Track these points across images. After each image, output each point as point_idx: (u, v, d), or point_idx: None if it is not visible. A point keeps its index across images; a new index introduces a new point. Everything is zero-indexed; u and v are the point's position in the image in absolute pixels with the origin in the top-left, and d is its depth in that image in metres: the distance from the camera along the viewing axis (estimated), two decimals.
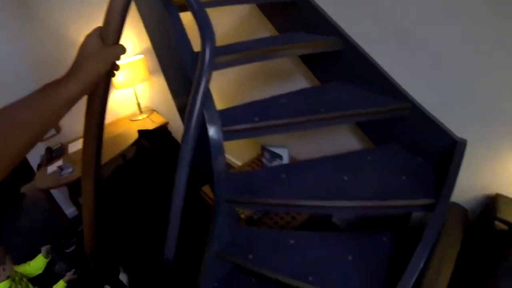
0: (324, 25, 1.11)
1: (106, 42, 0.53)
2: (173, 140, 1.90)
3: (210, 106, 0.81)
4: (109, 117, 2.30)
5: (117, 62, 0.58)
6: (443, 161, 0.92)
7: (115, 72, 0.60)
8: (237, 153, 2.31)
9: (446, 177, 0.82)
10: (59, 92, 0.44)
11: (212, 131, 0.81)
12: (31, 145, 0.42)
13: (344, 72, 1.15)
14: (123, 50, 0.55)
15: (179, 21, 0.84)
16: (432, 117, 0.97)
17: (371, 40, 1.05)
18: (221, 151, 0.85)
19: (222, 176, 0.88)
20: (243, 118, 0.88)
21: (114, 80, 2.10)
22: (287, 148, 1.55)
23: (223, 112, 0.87)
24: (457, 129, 0.95)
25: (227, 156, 2.24)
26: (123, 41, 0.55)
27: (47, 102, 0.43)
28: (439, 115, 0.97)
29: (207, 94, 0.73)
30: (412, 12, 0.97)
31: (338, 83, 1.16)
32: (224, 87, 2.04)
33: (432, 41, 0.96)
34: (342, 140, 1.38)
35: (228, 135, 0.84)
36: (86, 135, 0.71)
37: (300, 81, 1.45)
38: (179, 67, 0.86)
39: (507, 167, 0.94)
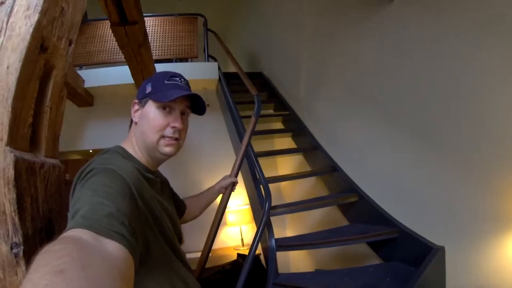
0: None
1: (231, 175, 1.51)
2: (261, 266, 2.82)
3: (270, 228, 1.83)
4: (219, 244, 3.54)
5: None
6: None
7: (234, 188, 1.50)
8: None
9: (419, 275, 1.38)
10: (213, 188, 1.44)
11: (270, 242, 1.80)
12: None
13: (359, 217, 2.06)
14: (236, 180, 1.48)
15: (259, 189, 2.03)
16: (411, 232, 1.62)
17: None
18: (273, 255, 1.79)
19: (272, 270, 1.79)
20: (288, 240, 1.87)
21: (228, 219, 3.42)
22: None
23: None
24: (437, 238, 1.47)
25: None
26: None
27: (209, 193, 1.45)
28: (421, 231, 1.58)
29: (268, 223, 1.79)
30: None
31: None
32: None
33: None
34: (364, 259, 2.06)
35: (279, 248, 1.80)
36: (216, 215, 1.69)
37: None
38: (257, 210, 2.01)
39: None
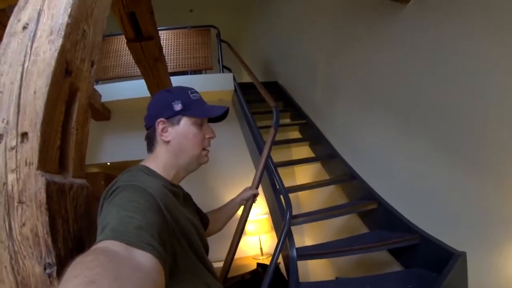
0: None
1: (251, 187, 1.53)
2: (281, 275, 2.80)
3: (291, 237, 1.82)
4: (239, 254, 3.51)
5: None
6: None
7: (255, 200, 1.54)
8: None
9: (441, 282, 1.38)
10: (235, 200, 1.44)
11: (291, 251, 1.79)
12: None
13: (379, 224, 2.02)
14: (257, 192, 1.51)
15: (279, 199, 2.02)
16: (436, 240, 1.59)
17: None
18: (294, 265, 1.77)
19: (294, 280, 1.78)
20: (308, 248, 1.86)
21: (246, 228, 3.42)
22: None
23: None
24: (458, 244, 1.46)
25: None
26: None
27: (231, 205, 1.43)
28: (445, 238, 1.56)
29: (289, 233, 1.78)
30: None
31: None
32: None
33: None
34: (385, 265, 2.00)
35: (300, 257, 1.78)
36: (237, 227, 1.67)
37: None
38: (277, 220, 2.00)
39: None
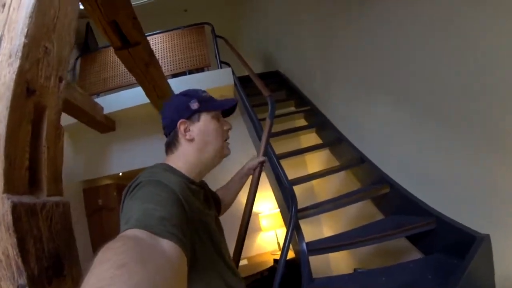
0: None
1: (258, 155, 1.53)
2: (295, 270, 2.80)
3: (299, 232, 1.80)
4: (256, 250, 3.55)
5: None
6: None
7: (264, 168, 1.48)
8: None
9: (464, 269, 1.23)
10: (242, 170, 1.39)
11: (301, 246, 1.76)
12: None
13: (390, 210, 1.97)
14: (264, 158, 1.45)
15: (285, 192, 1.99)
16: (454, 222, 1.49)
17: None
18: (305, 260, 1.75)
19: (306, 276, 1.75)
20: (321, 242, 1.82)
21: (262, 224, 3.44)
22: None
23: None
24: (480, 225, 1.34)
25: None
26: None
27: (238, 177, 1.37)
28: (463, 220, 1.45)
29: (297, 227, 1.76)
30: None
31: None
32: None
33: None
34: (403, 254, 1.94)
35: (311, 252, 1.76)
36: (246, 205, 1.57)
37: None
38: (286, 214, 1.98)
39: None
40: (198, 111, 0.86)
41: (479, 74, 1.28)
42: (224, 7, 5.51)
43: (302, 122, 3.17)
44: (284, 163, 2.37)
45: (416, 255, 1.77)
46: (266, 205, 3.54)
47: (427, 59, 1.53)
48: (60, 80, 0.91)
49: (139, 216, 0.54)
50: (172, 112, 0.88)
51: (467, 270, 1.24)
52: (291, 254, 3.03)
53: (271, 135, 2.49)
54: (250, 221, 1.56)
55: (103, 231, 3.46)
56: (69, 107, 2.75)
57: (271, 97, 1.87)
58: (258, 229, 3.57)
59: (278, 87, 3.67)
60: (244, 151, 3.42)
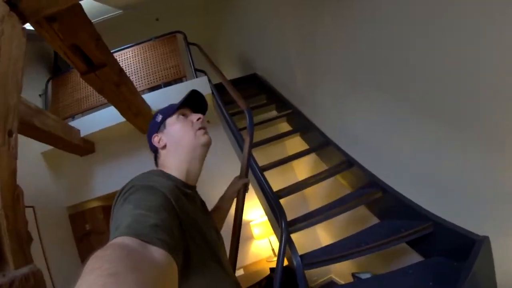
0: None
1: (240, 177, 1.41)
2: (293, 276, 2.77)
3: (292, 245, 1.74)
4: (251, 258, 3.49)
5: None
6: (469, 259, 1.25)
7: (247, 189, 1.42)
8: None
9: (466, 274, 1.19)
10: (226, 194, 1.33)
11: (296, 260, 1.71)
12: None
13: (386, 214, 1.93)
14: (247, 180, 1.40)
15: (273, 206, 1.93)
16: (452, 225, 1.43)
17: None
18: (301, 275, 1.69)
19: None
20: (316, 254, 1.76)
21: (254, 232, 3.38)
22: (370, 273, 2.14)
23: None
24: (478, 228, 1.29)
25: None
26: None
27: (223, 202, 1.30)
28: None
29: (290, 240, 1.70)
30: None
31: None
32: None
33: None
34: (401, 256, 1.91)
35: (307, 266, 1.70)
36: (234, 224, 1.45)
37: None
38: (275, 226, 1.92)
39: None
40: (163, 120, 0.91)
41: (480, 71, 1.18)
42: (197, 12, 5.34)
43: (285, 126, 3.11)
44: (271, 171, 2.32)
45: (414, 257, 1.72)
46: (257, 212, 3.46)
47: (422, 55, 1.42)
48: (10, 134, 0.82)
49: (129, 222, 0.53)
50: (149, 134, 0.94)
51: (470, 275, 1.20)
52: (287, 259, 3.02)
53: (253, 145, 2.43)
54: (242, 230, 1.49)
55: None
56: (42, 136, 2.62)
57: (249, 110, 1.78)
58: (251, 237, 3.50)
59: (257, 91, 3.58)
60: (227, 162, 3.34)
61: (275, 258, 3.40)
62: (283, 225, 1.69)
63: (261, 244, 3.52)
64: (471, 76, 1.20)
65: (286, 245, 1.68)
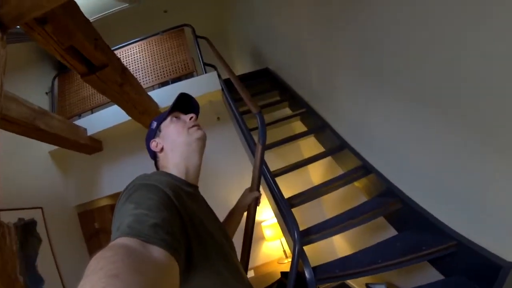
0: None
1: (251, 189, 1.33)
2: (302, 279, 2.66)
3: (305, 259, 1.61)
4: (262, 259, 3.39)
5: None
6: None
7: (259, 203, 1.36)
8: None
9: None
10: (237, 207, 1.30)
11: (308, 273, 1.58)
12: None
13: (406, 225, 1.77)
14: (258, 193, 1.34)
15: (285, 217, 1.78)
16: (477, 247, 1.29)
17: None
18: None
19: None
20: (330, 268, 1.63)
21: (265, 234, 3.28)
22: (385, 284, 1.99)
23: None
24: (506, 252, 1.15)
25: None
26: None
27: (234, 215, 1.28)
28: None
29: (302, 253, 1.57)
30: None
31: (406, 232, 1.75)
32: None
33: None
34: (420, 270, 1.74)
35: (320, 281, 1.57)
36: (245, 236, 1.38)
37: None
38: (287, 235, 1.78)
39: None
40: (158, 126, 0.96)
41: None
42: (207, 2, 5.13)
43: (299, 125, 2.94)
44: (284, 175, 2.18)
45: (433, 273, 1.58)
46: (269, 213, 3.34)
47: (454, 58, 1.21)
48: None
49: (130, 222, 0.54)
50: (147, 143, 0.97)
51: None
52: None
53: (265, 147, 2.27)
54: (254, 231, 1.41)
55: None
56: (48, 137, 2.55)
57: (260, 114, 1.63)
58: (262, 238, 3.40)
59: (270, 87, 3.39)
60: (237, 160, 3.24)
61: (287, 260, 3.31)
62: (296, 236, 1.56)
63: (272, 245, 3.41)
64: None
65: (299, 258, 1.55)
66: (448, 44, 1.20)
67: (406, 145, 1.65)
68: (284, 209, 1.71)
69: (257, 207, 1.40)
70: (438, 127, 1.39)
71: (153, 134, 0.96)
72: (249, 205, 1.34)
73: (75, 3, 1.47)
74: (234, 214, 1.30)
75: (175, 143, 0.91)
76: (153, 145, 0.94)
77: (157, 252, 0.50)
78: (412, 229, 1.69)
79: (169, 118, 0.95)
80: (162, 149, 0.93)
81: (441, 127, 1.37)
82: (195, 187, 0.92)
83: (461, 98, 1.22)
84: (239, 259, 1.29)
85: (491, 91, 1.09)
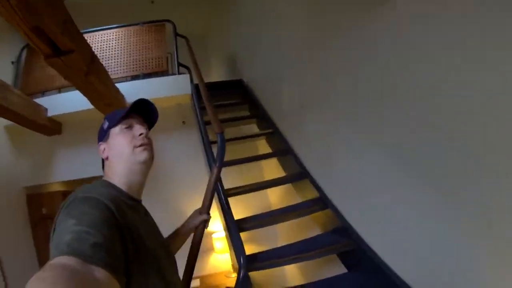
0: None
1: (201, 211, 1.24)
2: None
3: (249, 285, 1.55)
4: (210, 270, 3.31)
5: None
6: None
7: (207, 226, 1.27)
8: None
9: None
10: (184, 227, 1.21)
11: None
12: None
13: None
14: (208, 217, 1.25)
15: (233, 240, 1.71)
16: None
17: None
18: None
19: None
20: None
21: (215, 245, 3.20)
22: None
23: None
24: None
25: None
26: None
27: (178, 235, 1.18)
28: None
29: (246, 280, 1.51)
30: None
31: None
32: None
33: None
34: None
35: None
36: (189, 257, 1.26)
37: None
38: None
39: None
40: (108, 129, 0.88)
41: None
42: (196, 3, 4.98)
43: (264, 144, 2.91)
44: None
45: None
46: (220, 224, 3.22)
47: (453, 95, 1.06)
48: None
49: (70, 240, 0.52)
50: (98, 136, 0.92)
51: None
52: None
53: (227, 163, 2.20)
54: (204, 241, 1.32)
55: (47, 243, 3.08)
56: (5, 112, 2.36)
57: (222, 135, 1.55)
58: (211, 249, 3.31)
59: (241, 100, 3.34)
60: (198, 167, 3.14)
61: (234, 275, 3.24)
62: (242, 262, 1.51)
63: (221, 258, 3.34)
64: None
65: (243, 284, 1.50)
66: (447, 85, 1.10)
67: (372, 189, 1.59)
68: (233, 233, 1.66)
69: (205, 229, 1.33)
70: (410, 181, 1.32)
71: (102, 136, 0.90)
72: (197, 227, 1.27)
73: None
74: (179, 234, 1.23)
75: (120, 156, 0.86)
76: (100, 148, 0.90)
77: (98, 272, 0.49)
78: (362, 271, 1.66)
79: (119, 126, 0.88)
80: (107, 158, 0.88)
81: (414, 183, 1.29)
82: (138, 201, 0.89)
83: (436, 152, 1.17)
84: (180, 275, 1.23)
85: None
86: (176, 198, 3.18)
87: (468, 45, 0.98)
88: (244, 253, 1.56)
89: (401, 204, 1.39)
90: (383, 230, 1.54)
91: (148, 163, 0.89)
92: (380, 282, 1.48)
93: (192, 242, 1.29)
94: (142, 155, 0.86)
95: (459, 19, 1.00)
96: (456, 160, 1.07)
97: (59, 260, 0.48)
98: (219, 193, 1.87)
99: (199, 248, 1.32)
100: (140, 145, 0.87)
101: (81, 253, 0.50)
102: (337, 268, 1.84)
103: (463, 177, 1.06)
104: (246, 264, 1.53)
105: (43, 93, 3.09)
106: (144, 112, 0.95)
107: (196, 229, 1.27)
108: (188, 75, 3.16)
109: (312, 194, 2.05)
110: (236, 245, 1.60)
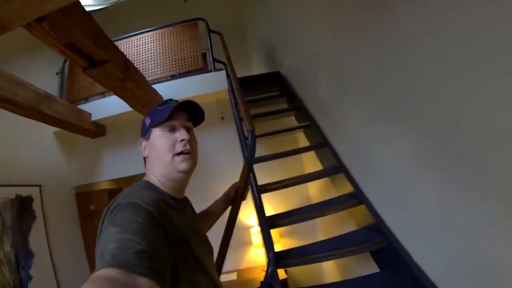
0: None
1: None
2: None
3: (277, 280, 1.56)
4: (247, 263, 3.36)
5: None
6: None
7: (244, 197, 1.33)
8: None
9: None
10: (222, 199, 1.29)
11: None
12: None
13: None
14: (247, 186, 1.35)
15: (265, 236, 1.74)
16: None
17: None
18: None
19: None
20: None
21: (253, 240, 3.24)
22: None
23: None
24: None
25: None
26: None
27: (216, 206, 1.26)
28: None
29: (274, 275, 1.52)
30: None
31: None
32: None
33: None
34: None
35: None
36: (224, 235, 1.34)
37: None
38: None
39: None
40: (150, 127, 0.86)
41: None
42: None
43: (302, 136, 2.87)
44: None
45: None
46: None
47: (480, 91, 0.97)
48: None
49: (114, 249, 0.53)
50: (141, 127, 0.90)
51: None
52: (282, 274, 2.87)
53: (266, 157, 2.24)
54: (242, 233, 1.37)
55: (95, 237, 3.37)
56: (52, 121, 2.59)
57: (253, 133, 1.53)
58: (249, 243, 3.36)
59: (279, 93, 3.30)
60: (236, 166, 3.15)
61: None
62: (271, 257, 1.53)
63: (258, 252, 3.39)
64: None
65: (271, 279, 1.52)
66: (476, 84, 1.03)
67: (407, 183, 1.46)
68: (264, 229, 1.67)
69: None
70: (451, 175, 1.16)
71: (144, 131, 0.88)
72: (234, 198, 1.31)
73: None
74: (217, 204, 1.29)
75: (159, 160, 0.83)
76: (142, 145, 0.88)
77: (143, 282, 0.50)
78: (394, 271, 1.58)
79: (161, 127, 0.84)
80: (147, 156, 0.87)
81: (455, 176, 1.14)
82: (181, 200, 0.87)
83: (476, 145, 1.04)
84: (215, 260, 1.23)
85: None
86: (219, 194, 3.27)
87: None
88: (273, 249, 1.56)
89: (443, 207, 1.24)
90: (417, 230, 1.43)
91: (188, 173, 0.85)
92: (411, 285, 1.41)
93: (229, 218, 1.34)
94: (182, 165, 0.82)
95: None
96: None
97: (103, 272, 0.49)
98: (253, 190, 1.88)
99: (234, 223, 1.36)
100: (181, 153, 0.82)
101: (125, 263, 0.51)
102: (370, 267, 1.78)
103: None
104: (275, 261, 1.53)
105: (86, 99, 3.32)
106: (189, 108, 0.89)
107: (234, 201, 1.32)
108: (223, 72, 3.20)
109: (348, 188, 1.98)
110: (266, 241, 1.61)
